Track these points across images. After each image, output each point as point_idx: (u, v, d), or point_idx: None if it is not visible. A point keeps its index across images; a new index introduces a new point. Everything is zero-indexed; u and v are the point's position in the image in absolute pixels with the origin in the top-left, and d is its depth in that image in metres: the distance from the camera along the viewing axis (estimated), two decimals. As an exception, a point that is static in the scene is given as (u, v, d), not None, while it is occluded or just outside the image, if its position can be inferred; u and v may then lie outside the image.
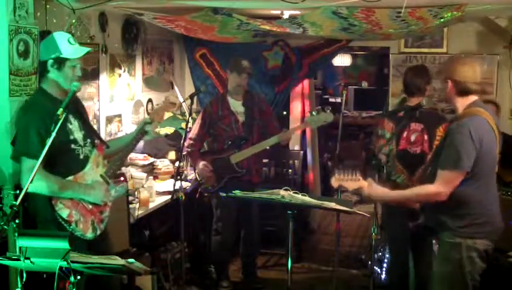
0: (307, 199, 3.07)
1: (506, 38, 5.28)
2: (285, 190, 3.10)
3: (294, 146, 6.37)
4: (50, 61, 3.06)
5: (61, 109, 2.68)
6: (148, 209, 4.34)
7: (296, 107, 6.45)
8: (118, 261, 2.36)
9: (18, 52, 3.30)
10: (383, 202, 4.06)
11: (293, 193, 3.08)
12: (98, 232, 3.16)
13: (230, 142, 4.72)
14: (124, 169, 4.44)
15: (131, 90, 5.25)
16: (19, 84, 3.32)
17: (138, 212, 4.17)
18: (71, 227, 3.02)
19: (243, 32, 5.06)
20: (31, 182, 2.49)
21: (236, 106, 4.78)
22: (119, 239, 3.75)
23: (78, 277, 2.31)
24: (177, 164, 4.33)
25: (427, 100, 3.97)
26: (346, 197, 6.25)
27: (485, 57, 5.47)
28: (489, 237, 3.07)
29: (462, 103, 3.11)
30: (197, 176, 4.77)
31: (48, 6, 3.88)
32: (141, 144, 4.78)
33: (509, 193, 4.40)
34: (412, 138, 4.02)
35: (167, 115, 5.26)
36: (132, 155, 4.76)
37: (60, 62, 3.06)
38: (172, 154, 5.26)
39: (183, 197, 4.13)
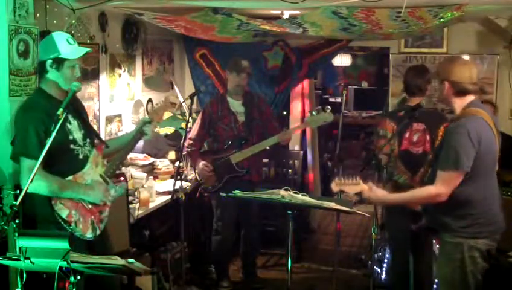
0: (307, 199, 3.07)
1: (506, 38, 5.27)
2: (285, 190, 3.10)
3: (294, 146, 6.36)
4: (49, 62, 3.05)
5: (61, 109, 2.68)
6: (148, 209, 4.34)
7: (296, 107, 6.44)
8: (118, 261, 2.35)
9: (18, 52, 3.29)
10: (383, 205, 4.07)
11: (293, 193, 3.09)
12: (98, 232, 3.15)
13: (230, 142, 4.72)
14: (124, 169, 4.45)
15: (131, 90, 5.25)
16: (19, 84, 3.31)
17: (138, 212, 4.17)
18: (71, 227, 3.01)
19: (243, 32, 5.05)
20: (30, 182, 2.49)
21: (236, 106, 4.78)
22: (119, 239, 3.74)
23: (78, 277, 2.30)
24: (177, 164, 4.33)
25: (426, 100, 3.97)
26: (346, 197, 6.23)
27: (485, 57, 5.48)
28: (491, 237, 3.07)
29: (459, 104, 3.11)
30: (197, 176, 4.78)
31: (48, 6, 3.88)
32: (141, 143, 4.78)
33: (509, 193, 4.40)
34: (414, 138, 4.02)
35: (167, 115, 5.27)
36: (132, 155, 4.77)
37: (59, 62, 3.05)
38: (172, 154, 5.26)
39: (183, 197, 4.13)
